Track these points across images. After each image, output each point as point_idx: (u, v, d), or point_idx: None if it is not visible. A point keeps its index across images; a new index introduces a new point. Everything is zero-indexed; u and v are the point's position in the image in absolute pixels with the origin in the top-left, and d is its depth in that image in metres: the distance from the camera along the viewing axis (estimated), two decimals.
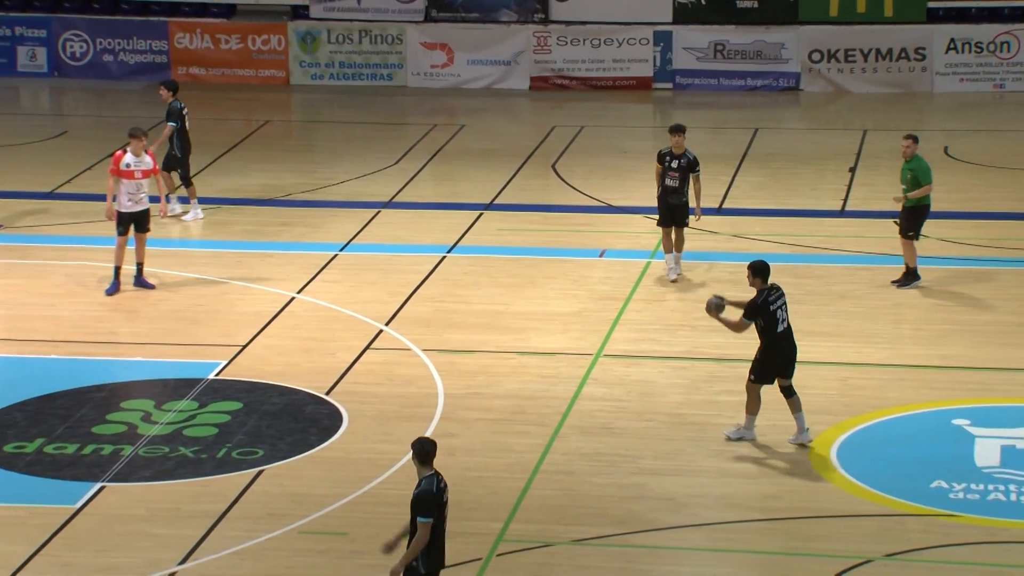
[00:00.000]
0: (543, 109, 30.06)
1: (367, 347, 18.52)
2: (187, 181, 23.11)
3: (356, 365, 18.01)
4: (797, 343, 16.02)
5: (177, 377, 17.69)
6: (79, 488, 15.11)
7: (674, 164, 20.54)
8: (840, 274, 20.91)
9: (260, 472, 15.51)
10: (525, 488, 15.22)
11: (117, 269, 19.96)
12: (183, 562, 13.82)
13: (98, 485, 15.17)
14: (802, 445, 15.86)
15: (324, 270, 21.05)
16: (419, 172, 25.73)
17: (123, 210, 19.83)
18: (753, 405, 15.99)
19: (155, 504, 14.86)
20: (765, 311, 15.75)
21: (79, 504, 14.83)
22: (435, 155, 26.74)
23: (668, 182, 20.51)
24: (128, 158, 19.86)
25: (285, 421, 16.61)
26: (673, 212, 20.55)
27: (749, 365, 15.95)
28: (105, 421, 16.50)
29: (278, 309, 19.64)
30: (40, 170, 25.26)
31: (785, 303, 15.93)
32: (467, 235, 22.54)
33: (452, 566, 13.76)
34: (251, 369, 17.85)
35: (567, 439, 16.25)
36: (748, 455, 15.87)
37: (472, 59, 31.34)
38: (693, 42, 31.06)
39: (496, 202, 24.07)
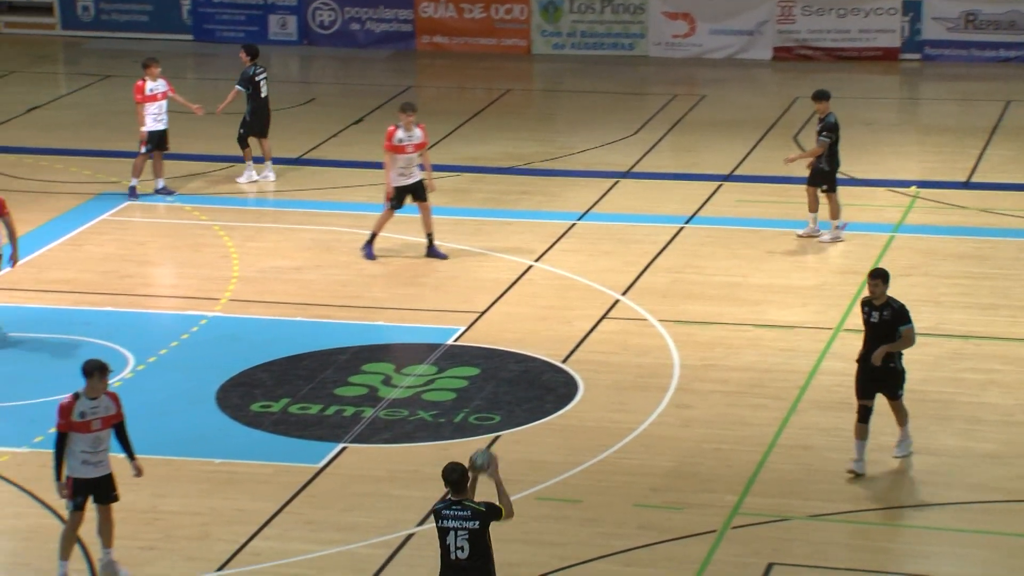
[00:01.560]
0: (786, 80, 29.68)
1: (604, 316, 18.57)
2: (243, 143, 23.39)
3: (592, 334, 18.07)
4: None
5: (417, 342, 17.98)
6: (322, 448, 15.48)
7: (818, 128, 20.47)
8: None
9: (497, 437, 15.69)
10: (761, 461, 15.12)
11: (373, 235, 20.32)
12: (421, 523, 14.06)
13: (340, 446, 15.52)
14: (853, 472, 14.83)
15: (562, 239, 21.15)
16: (658, 142, 25.66)
17: (394, 184, 20.12)
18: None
19: (395, 466, 15.14)
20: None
21: (322, 464, 15.20)
22: (675, 125, 26.63)
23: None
24: (400, 133, 20.09)
25: (522, 388, 16.77)
26: (811, 175, 20.71)
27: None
28: (347, 383, 16.86)
29: (516, 277, 19.81)
30: (289, 136, 25.84)
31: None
32: (706, 206, 22.42)
33: (687, 537, 13.77)
34: (489, 335, 18.05)
35: (805, 413, 16.08)
36: (993, 435, 15.51)
37: (714, 29, 31.08)
38: (943, 12, 30.32)
39: (736, 173, 23.88)
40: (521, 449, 15.46)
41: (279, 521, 14.15)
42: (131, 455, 13.17)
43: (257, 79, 23.37)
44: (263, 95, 23.40)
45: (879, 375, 14.69)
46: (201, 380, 16.89)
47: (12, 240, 17.72)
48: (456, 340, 17.96)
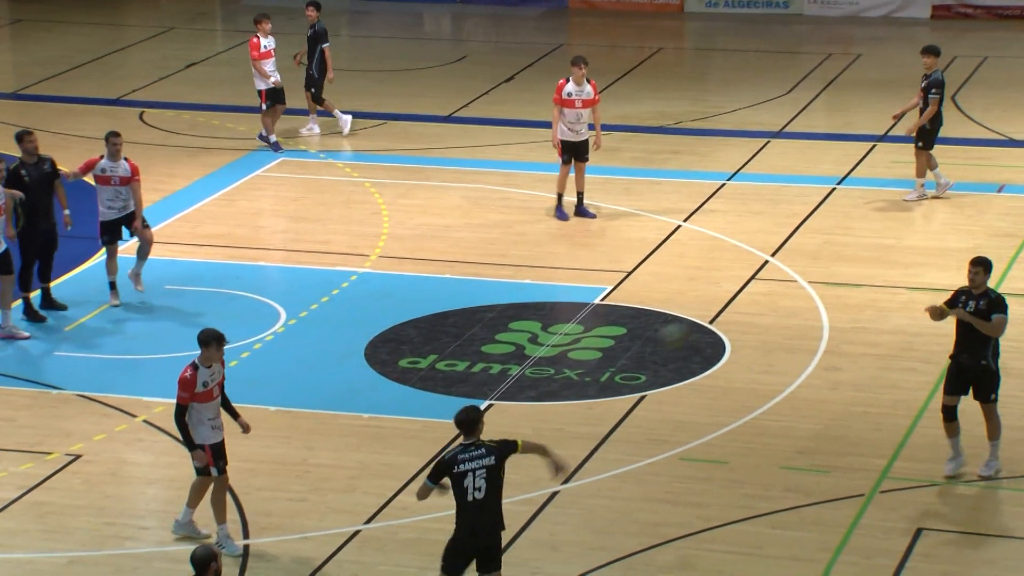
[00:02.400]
0: (944, 39, 29.04)
1: (752, 277, 18.42)
2: (319, 99, 23.44)
3: (740, 295, 17.94)
4: None
5: (564, 300, 17.99)
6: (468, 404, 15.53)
7: (922, 84, 20.10)
8: None
9: (642, 397, 15.66)
10: (911, 426, 14.91)
11: (560, 195, 20.22)
12: (566, 482, 14.09)
13: (486, 403, 15.60)
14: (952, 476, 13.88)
15: (711, 199, 21.00)
16: (811, 102, 25.33)
17: (564, 138, 20.01)
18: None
19: (540, 424, 15.18)
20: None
21: None
22: (829, 85, 26.27)
23: (919, 103, 20.18)
24: (570, 86, 19.87)
25: (668, 348, 16.70)
26: (917, 134, 20.27)
27: None
28: (494, 341, 16.93)
29: (664, 236, 19.72)
30: (440, 94, 25.97)
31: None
32: (859, 167, 22.10)
33: (834, 500, 13.64)
34: (636, 295, 18.00)
35: None
36: None
37: None
38: None
39: (891, 134, 23.50)
40: (666, 409, 15.42)
41: (424, 477, 14.22)
42: (235, 414, 13.28)
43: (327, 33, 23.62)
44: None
45: (969, 375, 13.74)
46: (350, 335, 17.07)
47: (137, 206, 17.79)
48: (603, 299, 17.94)
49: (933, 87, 20.04)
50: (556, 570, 12.79)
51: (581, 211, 20.29)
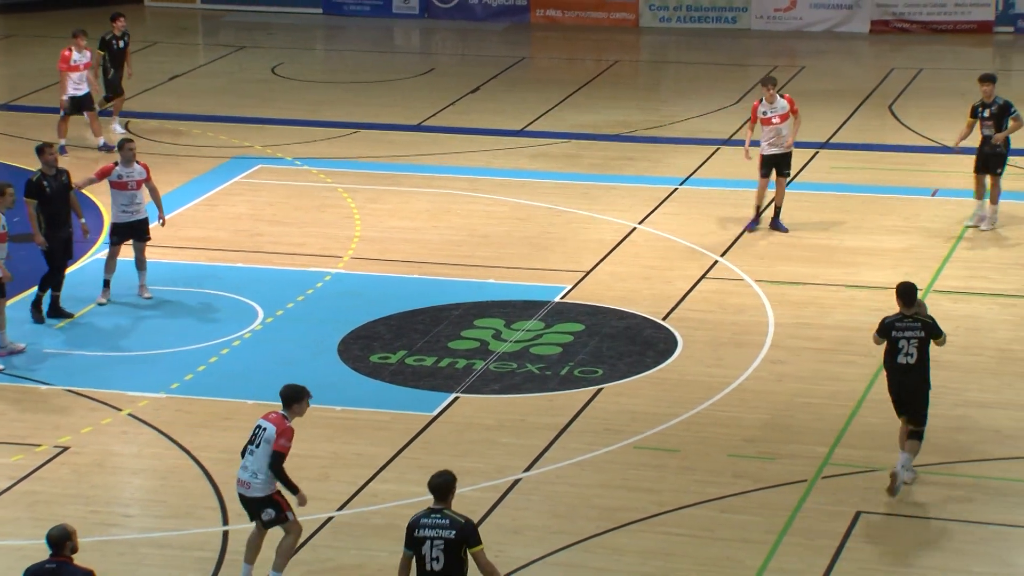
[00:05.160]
0: (882, 52, 29.24)
1: (703, 276, 18.45)
2: (110, 99, 23.94)
3: (692, 293, 17.97)
4: None
5: (525, 299, 17.98)
6: (436, 398, 15.54)
7: (986, 113, 19.47)
8: None
9: (600, 390, 15.67)
10: (851, 415, 14.96)
11: (758, 208, 19.52)
12: (528, 469, 14.09)
13: (453, 395, 15.58)
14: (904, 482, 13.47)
15: (665, 202, 21.02)
16: None
17: (767, 153, 19.24)
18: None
19: (504, 415, 15.18)
20: (887, 333, 13.54)
21: (436, 412, 15.26)
22: None
23: (984, 131, 19.49)
24: (763, 107, 19.19)
25: (624, 343, 16.71)
26: (987, 160, 19.55)
27: None
28: (460, 337, 16.90)
29: (620, 238, 19.73)
30: (409, 104, 25.92)
31: (916, 339, 13.43)
32: (802, 172, 22.15)
33: (779, 485, 13.67)
34: (593, 293, 18.00)
35: None
36: None
37: (815, 3, 30.66)
38: None
39: (832, 141, 23.56)
40: (622, 401, 15.43)
41: (395, 465, 14.24)
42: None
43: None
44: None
45: None
46: (324, 332, 17.02)
47: (157, 203, 17.96)
48: (563, 297, 17.94)
49: (1010, 108, 19.22)
50: (519, 553, 12.79)
51: (776, 224, 19.68)
